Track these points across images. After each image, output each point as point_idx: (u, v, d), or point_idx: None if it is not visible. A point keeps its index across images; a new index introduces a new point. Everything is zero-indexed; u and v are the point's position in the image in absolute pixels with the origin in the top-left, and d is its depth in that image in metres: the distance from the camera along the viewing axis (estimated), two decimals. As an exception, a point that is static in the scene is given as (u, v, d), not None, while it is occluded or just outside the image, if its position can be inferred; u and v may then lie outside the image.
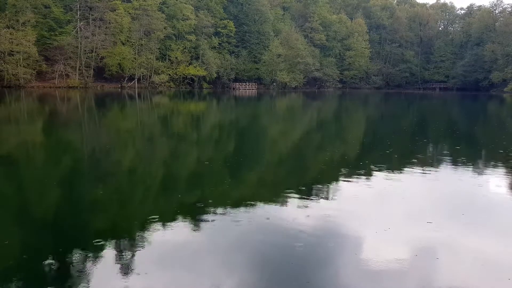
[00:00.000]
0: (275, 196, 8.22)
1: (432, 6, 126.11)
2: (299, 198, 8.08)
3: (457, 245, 5.91)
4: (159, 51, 73.71)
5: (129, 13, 68.90)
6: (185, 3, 76.16)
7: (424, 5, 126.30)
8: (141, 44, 70.17)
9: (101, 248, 5.57)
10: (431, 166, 11.50)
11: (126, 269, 5.00)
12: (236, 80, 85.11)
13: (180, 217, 6.84)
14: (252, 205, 7.58)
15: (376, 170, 10.89)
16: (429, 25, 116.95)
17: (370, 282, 4.80)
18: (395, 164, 11.68)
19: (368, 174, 10.41)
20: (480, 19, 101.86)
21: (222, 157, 13.22)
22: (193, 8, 77.16)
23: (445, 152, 15.19)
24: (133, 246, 5.66)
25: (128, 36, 69.13)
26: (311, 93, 78.75)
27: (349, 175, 10.23)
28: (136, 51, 69.69)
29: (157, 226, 6.44)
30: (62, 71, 61.13)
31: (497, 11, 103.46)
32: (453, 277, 4.96)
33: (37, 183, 9.30)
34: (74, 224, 6.60)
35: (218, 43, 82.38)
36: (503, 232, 6.50)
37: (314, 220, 6.83)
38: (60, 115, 26.29)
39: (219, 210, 7.23)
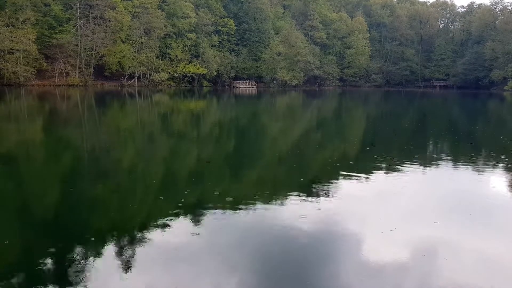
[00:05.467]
0: (276, 195, 8.13)
1: (432, 4, 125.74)
2: (301, 197, 7.98)
3: (466, 246, 5.82)
4: (159, 49, 73.44)
5: (129, 11, 68.65)
6: (185, 1, 75.86)
7: (424, 3, 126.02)
8: (141, 42, 69.91)
9: (101, 247, 5.51)
10: (435, 165, 11.40)
11: (126, 268, 4.94)
12: (236, 78, 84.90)
13: (180, 216, 6.76)
14: (252, 204, 7.49)
15: (379, 169, 10.80)
16: (430, 23, 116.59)
17: (374, 282, 4.71)
18: (398, 163, 11.57)
19: (371, 172, 10.31)
20: (481, 17, 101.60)
21: (222, 156, 13.14)
22: (193, 6, 76.89)
23: (448, 150, 15.09)
24: (133, 245, 5.58)
25: (128, 34, 68.86)
26: (311, 91, 78.59)
27: (351, 173, 10.13)
28: (136, 49, 69.45)
29: (158, 225, 6.36)
30: (62, 69, 60.87)
31: (497, 9, 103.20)
32: (462, 278, 4.87)
33: (37, 182, 9.22)
34: (74, 222, 6.51)
35: (218, 41, 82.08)
36: None
37: (316, 220, 6.74)
38: (60, 113, 26.17)
39: (220, 209, 7.15)
